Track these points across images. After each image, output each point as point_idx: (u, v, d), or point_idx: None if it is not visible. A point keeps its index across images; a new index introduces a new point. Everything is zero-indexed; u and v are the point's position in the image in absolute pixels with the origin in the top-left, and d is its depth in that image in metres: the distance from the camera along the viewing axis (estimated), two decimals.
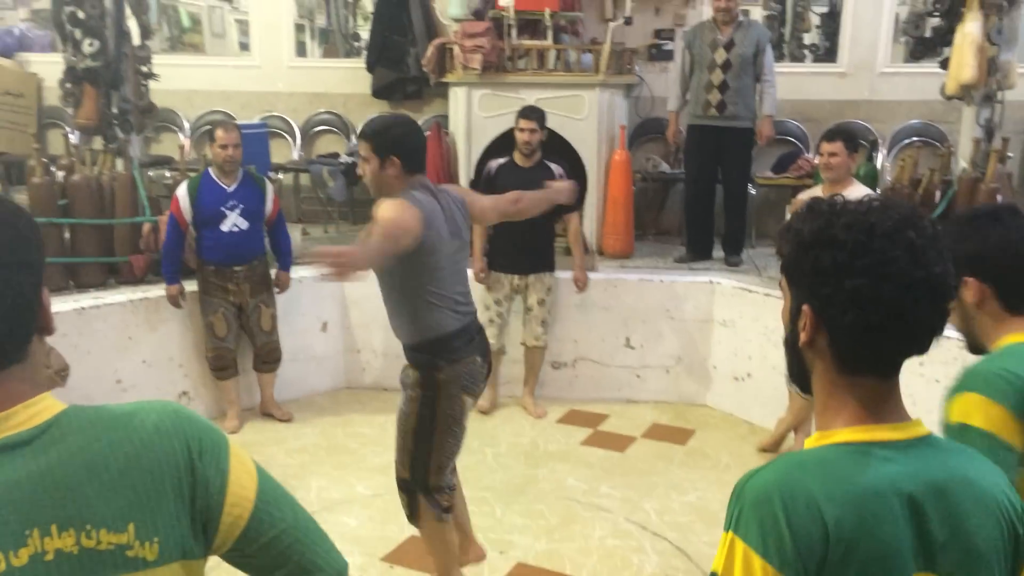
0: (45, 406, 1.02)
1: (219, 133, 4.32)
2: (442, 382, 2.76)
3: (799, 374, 1.20)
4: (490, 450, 4.41)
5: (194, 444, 1.08)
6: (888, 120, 6.11)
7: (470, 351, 2.81)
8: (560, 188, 3.36)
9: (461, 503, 3.19)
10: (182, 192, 4.35)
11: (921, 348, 1.12)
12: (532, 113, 4.61)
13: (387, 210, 2.59)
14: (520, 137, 4.58)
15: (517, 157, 4.65)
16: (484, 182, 4.71)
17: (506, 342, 4.85)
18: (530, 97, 5.29)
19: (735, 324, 4.82)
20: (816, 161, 5.04)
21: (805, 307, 1.12)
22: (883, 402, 1.13)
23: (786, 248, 1.15)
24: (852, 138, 4.22)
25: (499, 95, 5.42)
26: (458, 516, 3.11)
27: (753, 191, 5.70)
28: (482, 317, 4.73)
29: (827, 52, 7.05)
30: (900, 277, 1.06)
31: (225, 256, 4.34)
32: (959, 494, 1.09)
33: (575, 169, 5.39)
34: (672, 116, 5.49)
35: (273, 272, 4.61)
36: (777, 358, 4.49)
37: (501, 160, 4.72)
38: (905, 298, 1.06)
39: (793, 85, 5.89)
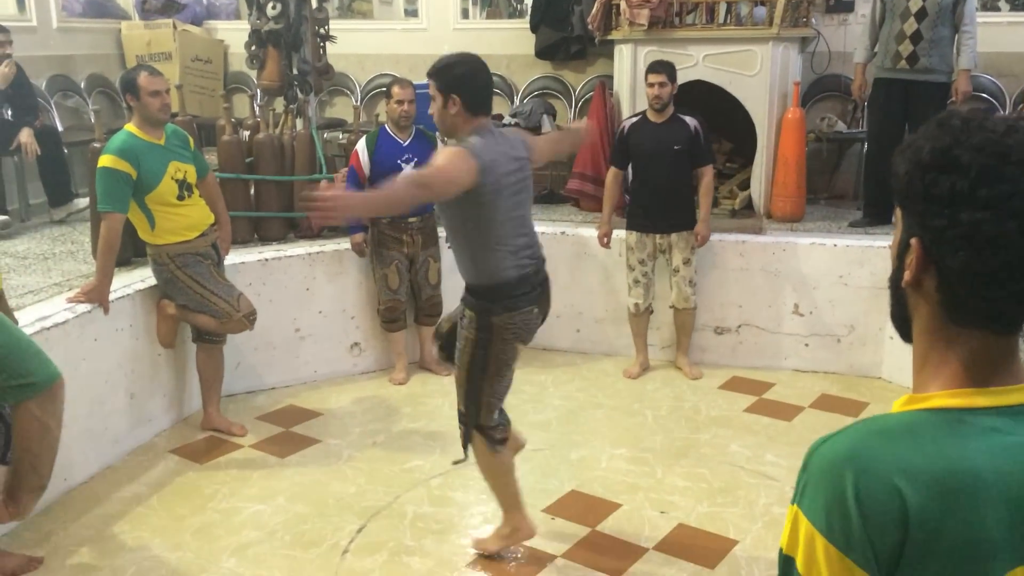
0: None
1: (395, 89, 4.47)
2: (496, 327, 2.77)
3: (900, 319, 1.03)
4: (651, 412, 4.37)
5: None
6: None
7: (527, 302, 2.80)
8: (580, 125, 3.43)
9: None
10: (361, 146, 4.53)
11: None
12: (661, 67, 4.53)
13: (441, 158, 2.64)
14: (650, 92, 4.51)
15: (649, 113, 4.59)
16: (617, 143, 4.67)
17: (652, 302, 4.78)
18: (698, 53, 5.14)
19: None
20: None
21: (913, 240, 0.95)
22: (995, 364, 0.94)
23: (902, 167, 0.96)
24: None
25: (666, 52, 5.27)
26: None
27: None
28: (627, 279, 4.74)
29: None
30: None
31: None
32: None
33: (746, 128, 5.21)
34: (859, 68, 5.17)
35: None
36: None
37: (633, 119, 4.67)
38: None
39: (988, 36, 5.40)
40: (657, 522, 3.34)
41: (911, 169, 0.95)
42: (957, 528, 0.88)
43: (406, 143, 4.54)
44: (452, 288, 4.85)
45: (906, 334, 1.03)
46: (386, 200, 2.70)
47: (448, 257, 4.78)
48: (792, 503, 0.96)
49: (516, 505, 3.05)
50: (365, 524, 3.34)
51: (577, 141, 3.59)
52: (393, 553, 3.15)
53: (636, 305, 4.73)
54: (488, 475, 3.03)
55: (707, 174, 4.62)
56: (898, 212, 1.00)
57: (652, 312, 4.80)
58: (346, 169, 4.61)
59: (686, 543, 3.20)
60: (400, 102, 4.46)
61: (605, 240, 4.72)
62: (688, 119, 4.53)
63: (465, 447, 2.98)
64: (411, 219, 4.50)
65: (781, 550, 0.96)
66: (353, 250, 4.66)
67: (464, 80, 2.70)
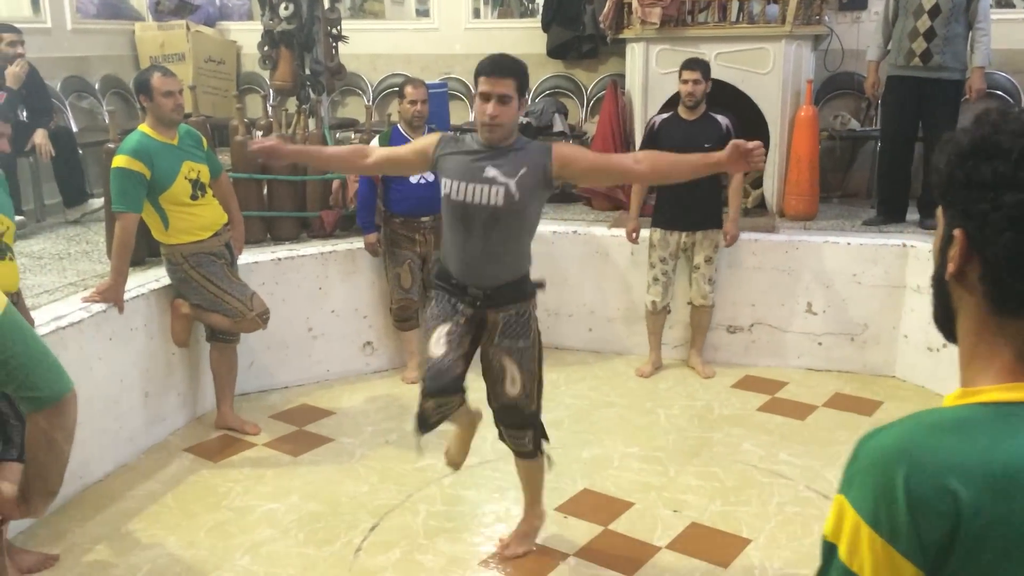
0: None
1: (408, 89, 4.47)
2: (534, 319, 2.90)
3: (943, 316, 1.02)
4: (663, 411, 4.36)
5: None
6: None
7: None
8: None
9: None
10: (374, 145, 4.53)
11: None
12: (696, 64, 4.49)
13: (569, 148, 2.90)
14: (683, 89, 4.47)
15: (681, 110, 4.55)
16: (647, 137, 4.64)
17: (670, 301, 4.76)
18: (710, 51, 5.13)
19: (930, 290, 4.49)
20: None
21: (957, 231, 0.95)
22: None
23: (942, 161, 0.97)
24: None
25: (678, 50, 5.26)
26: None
27: None
28: (647, 276, 4.73)
29: None
30: None
31: (413, 206, 4.47)
32: None
33: (757, 127, 5.19)
34: (872, 66, 5.15)
35: None
36: None
37: (664, 115, 4.63)
38: None
39: (1003, 33, 5.37)
40: (670, 521, 3.34)
41: (952, 159, 0.96)
42: (1011, 522, 0.88)
43: None
44: None
45: (950, 333, 1.03)
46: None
47: None
48: (839, 492, 0.96)
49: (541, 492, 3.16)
50: (378, 522, 3.35)
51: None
52: (406, 551, 3.15)
53: (654, 303, 4.72)
54: (540, 472, 3.08)
55: (738, 174, 4.61)
56: (939, 212, 1.00)
57: (670, 312, 4.79)
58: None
59: (699, 542, 3.20)
60: (413, 102, 4.45)
61: (634, 236, 4.69)
62: (720, 117, 4.49)
63: (536, 450, 3.00)
64: (424, 218, 4.50)
65: (824, 537, 0.97)
66: (367, 250, 4.67)
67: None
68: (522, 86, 2.69)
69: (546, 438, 3.02)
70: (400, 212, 4.52)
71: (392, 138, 4.53)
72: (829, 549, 0.96)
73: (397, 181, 4.47)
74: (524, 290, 2.86)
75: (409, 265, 4.55)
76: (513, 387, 2.86)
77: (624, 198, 5.48)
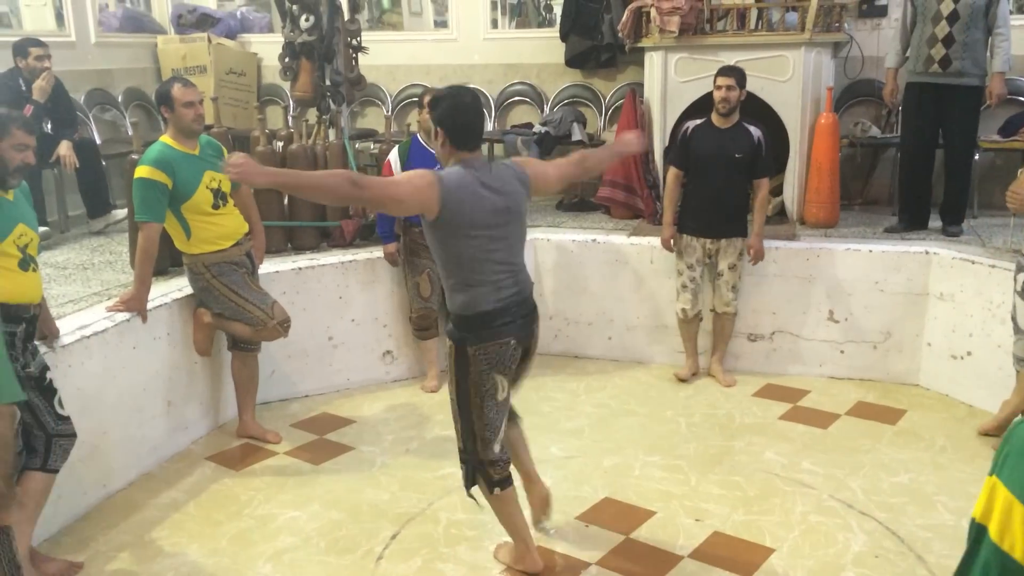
0: None
1: (427, 100, 4.47)
2: (470, 357, 2.76)
3: None
4: (684, 420, 4.34)
5: None
6: None
7: (503, 333, 2.76)
8: (626, 140, 3.27)
9: (521, 440, 3.20)
10: (394, 156, 4.55)
11: None
12: (731, 71, 4.47)
13: (408, 174, 2.77)
14: (717, 95, 4.45)
15: (714, 118, 4.53)
16: (680, 144, 4.63)
17: (703, 308, 4.76)
18: (729, 59, 5.10)
19: (954, 298, 4.46)
20: None
21: None
22: None
23: None
24: None
25: (696, 58, 5.27)
26: (520, 456, 3.17)
27: (976, 156, 5.23)
28: (675, 283, 4.71)
29: None
30: None
31: None
32: None
33: (777, 134, 5.18)
34: (890, 73, 5.12)
35: None
36: (1003, 335, 4.13)
37: (698, 121, 4.61)
38: None
39: (1023, 38, 5.33)
40: (692, 530, 3.32)
41: None
42: None
43: None
44: None
45: None
46: (304, 181, 2.70)
47: None
48: (990, 474, 0.97)
49: (519, 537, 3.03)
50: (399, 531, 3.35)
51: (623, 151, 3.44)
52: (427, 560, 3.15)
53: (684, 311, 4.71)
54: (494, 511, 3.01)
55: (764, 187, 4.58)
56: None
57: (702, 319, 4.78)
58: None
59: (722, 551, 3.17)
60: None
61: (672, 243, 4.69)
62: (753, 128, 4.49)
63: (468, 487, 2.95)
64: None
65: (973, 520, 0.98)
66: (386, 259, 4.69)
67: (446, 114, 2.73)
68: (434, 118, 2.77)
69: (480, 479, 2.91)
70: (418, 222, 4.51)
71: (411, 148, 4.55)
72: (978, 531, 0.96)
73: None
74: (449, 328, 2.86)
75: (428, 274, 4.56)
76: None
77: (643, 207, 5.48)
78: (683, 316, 4.73)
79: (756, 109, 5.15)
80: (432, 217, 2.67)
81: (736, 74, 4.45)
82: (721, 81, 4.43)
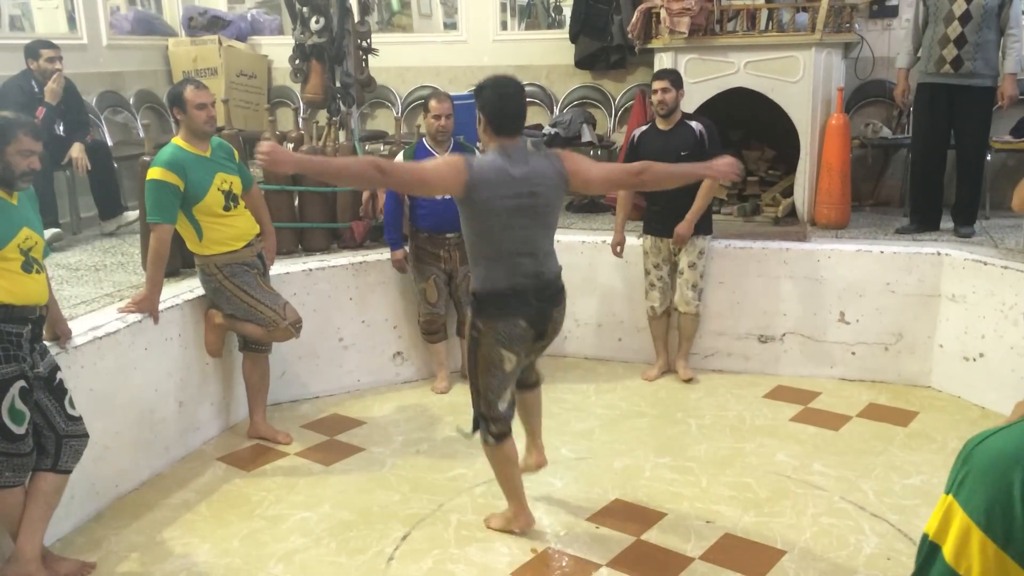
0: None
1: (432, 103, 4.47)
2: (481, 330, 3.00)
3: None
4: (694, 421, 4.33)
5: None
6: None
7: (514, 314, 2.95)
8: (721, 167, 3.05)
9: (536, 405, 3.46)
10: (399, 159, 4.54)
11: None
12: (666, 74, 4.59)
13: (435, 161, 3.02)
14: (655, 98, 4.54)
15: (657, 121, 4.62)
16: (628, 151, 4.70)
17: (671, 305, 4.80)
18: (739, 60, 5.11)
19: (966, 300, 4.44)
20: None
21: None
22: None
23: None
24: None
25: (706, 59, 5.26)
26: (529, 419, 3.44)
27: (988, 156, 5.21)
28: (644, 283, 4.75)
29: None
30: None
31: (438, 223, 4.49)
32: None
33: (788, 135, 5.16)
34: (901, 74, 5.11)
35: None
36: (1016, 337, 4.11)
37: (644, 127, 4.71)
38: None
39: None
40: (703, 531, 3.31)
41: None
42: None
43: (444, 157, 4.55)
44: None
45: None
46: (330, 168, 3.02)
47: None
48: (946, 493, 0.94)
49: (514, 495, 3.25)
50: (410, 532, 3.35)
51: (716, 178, 3.44)
52: (438, 560, 3.15)
53: (653, 308, 4.79)
54: (489, 462, 3.22)
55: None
56: None
57: (671, 315, 4.83)
58: None
59: (733, 553, 3.16)
60: (437, 116, 4.44)
61: (618, 249, 4.76)
62: (694, 124, 4.54)
63: (473, 430, 3.20)
64: (449, 235, 4.50)
65: (926, 536, 0.95)
66: (394, 266, 4.68)
67: (488, 101, 2.93)
68: (478, 105, 2.97)
69: (482, 429, 3.13)
70: (425, 228, 4.54)
71: (417, 151, 4.54)
72: (931, 549, 0.94)
73: (424, 197, 4.50)
74: (470, 299, 3.12)
75: (434, 280, 4.57)
76: None
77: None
78: (652, 313, 4.79)
79: (766, 110, 5.15)
80: (461, 197, 2.89)
81: (671, 76, 4.55)
82: (657, 84, 4.53)
